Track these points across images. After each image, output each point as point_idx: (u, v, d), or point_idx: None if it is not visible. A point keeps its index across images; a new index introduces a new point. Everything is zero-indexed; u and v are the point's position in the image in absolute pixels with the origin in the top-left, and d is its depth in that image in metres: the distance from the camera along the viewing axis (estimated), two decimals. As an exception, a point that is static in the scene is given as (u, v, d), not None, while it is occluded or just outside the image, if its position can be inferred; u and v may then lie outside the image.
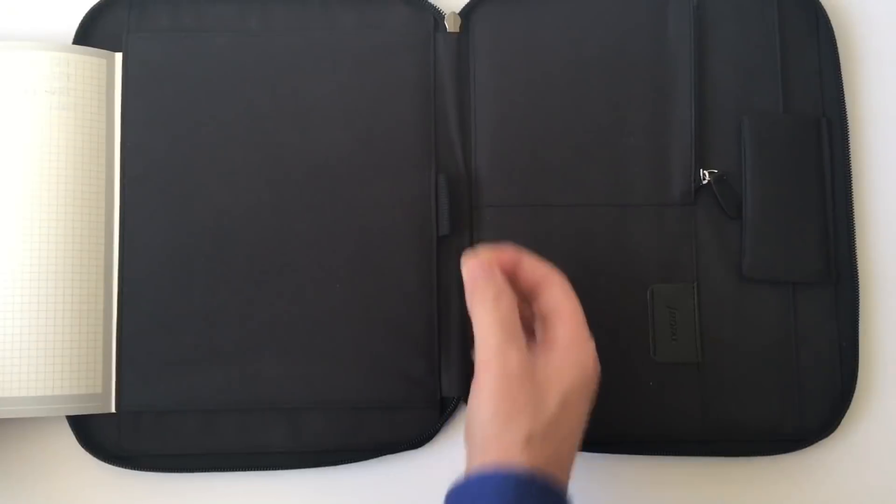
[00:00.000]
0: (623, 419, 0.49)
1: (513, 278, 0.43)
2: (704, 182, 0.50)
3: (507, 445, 0.38)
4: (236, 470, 0.49)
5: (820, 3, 0.52)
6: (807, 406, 0.49)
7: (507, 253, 0.43)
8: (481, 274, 0.42)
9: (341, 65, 0.51)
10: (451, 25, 0.52)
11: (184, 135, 0.51)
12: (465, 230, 0.51)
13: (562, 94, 0.51)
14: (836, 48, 0.52)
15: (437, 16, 0.52)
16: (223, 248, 0.50)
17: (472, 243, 0.51)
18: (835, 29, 0.52)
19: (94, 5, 0.52)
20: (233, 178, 0.50)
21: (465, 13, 0.52)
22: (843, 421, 0.49)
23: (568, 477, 0.40)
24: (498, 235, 0.50)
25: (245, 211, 0.50)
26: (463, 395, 0.50)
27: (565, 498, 0.39)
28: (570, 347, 0.41)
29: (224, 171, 0.50)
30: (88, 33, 0.52)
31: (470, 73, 0.52)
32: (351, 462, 0.49)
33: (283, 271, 0.50)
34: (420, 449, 0.50)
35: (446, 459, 0.50)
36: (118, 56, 0.52)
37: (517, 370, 0.39)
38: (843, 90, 0.51)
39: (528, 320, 0.44)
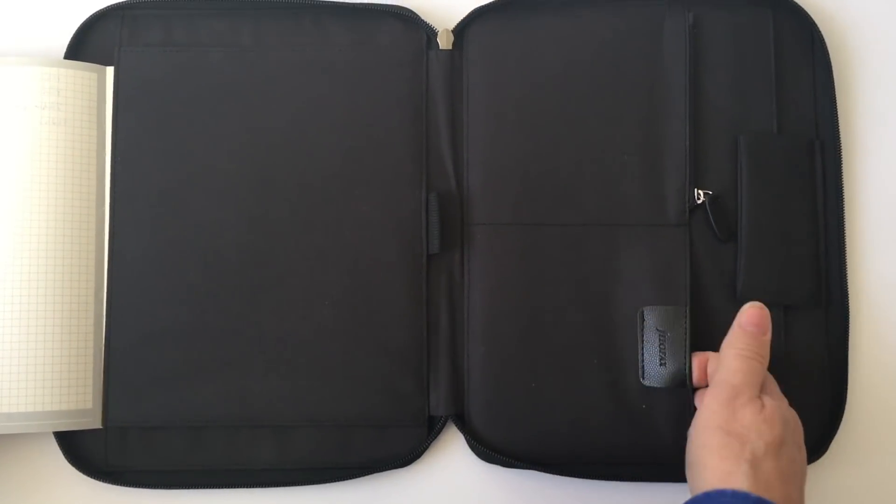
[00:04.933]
0: (611, 443, 0.49)
1: None
2: (699, 202, 0.50)
3: (735, 460, 0.41)
4: (223, 487, 0.49)
5: (815, 24, 0.52)
6: (796, 429, 0.49)
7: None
8: (759, 328, 0.46)
9: (333, 81, 0.51)
10: (444, 42, 0.52)
11: (174, 150, 0.51)
12: (456, 248, 0.51)
13: (555, 113, 0.51)
14: (831, 69, 0.51)
15: (430, 33, 0.52)
16: (212, 263, 0.50)
17: (462, 261, 0.51)
18: (830, 49, 0.52)
19: (87, 19, 0.52)
20: (223, 193, 0.50)
21: (458, 30, 0.52)
22: (832, 445, 0.49)
23: None
24: (489, 254, 0.50)
25: (235, 227, 0.50)
26: (451, 414, 0.50)
27: None
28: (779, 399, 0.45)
29: (214, 187, 0.50)
30: (80, 47, 0.52)
31: (462, 90, 0.52)
32: (338, 480, 0.49)
33: (273, 287, 0.50)
34: (408, 467, 0.50)
35: (434, 478, 0.50)
36: (109, 70, 0.51)
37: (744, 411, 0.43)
38: (836, 112, 0.51)
39: None
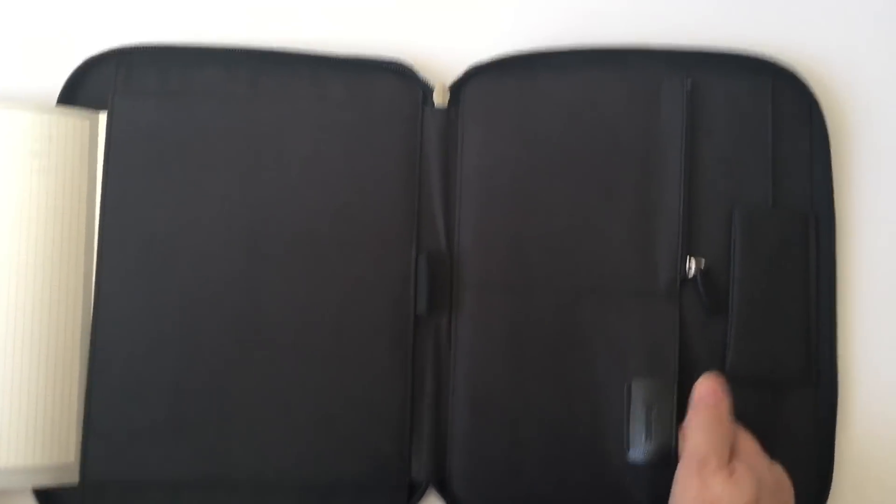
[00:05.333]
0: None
1: None
2: (690, 273, 0.50)
3: None
4: (201, 545, 0.49)
5: (814, 96, 0.51)
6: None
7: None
8: (713, 397, 0.46)
9: (327, 135, 0.51)
10: (440, 99, 0.52)
11: (163, 200, 0.50)
12: (444, 310, 0.50)
13: (549, 176, 0.51)
14: (829, 142, 0.51)
15: (426, 89, 0.52)
16: (198, 317, 0.49)
17: (449, 324, 0.50)
18: (828, 120, 0.51)
19: (82, 63, 0.52)
20: (210, 246, 0.50)
21: (455, 88, 0.52)
22: (817, 524, 0.49)
23: None
24: (477, 317, 0.50)
25: (221, 281, 0.50)
26: (432, 479, 0.49)
27: None
28: (754, 466, 0.44)
29: (202, 239, 0.50)
30: (75, 91, 0.52)
31: (457, 148, 0.51)
32: (317, 542, 0.49)
33: (257, 344, 0.49)
34: (388, 531, 0.49)
35: (414, 542, 0.50)
36: (102, 116, 0.51)
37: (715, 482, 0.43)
38: (832, 185, 0.51)
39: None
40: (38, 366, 0.48)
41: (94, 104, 0.51)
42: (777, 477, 0.44)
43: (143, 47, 0.52)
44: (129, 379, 0.49)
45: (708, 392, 0.47)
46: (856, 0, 0.54)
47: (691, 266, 0.50)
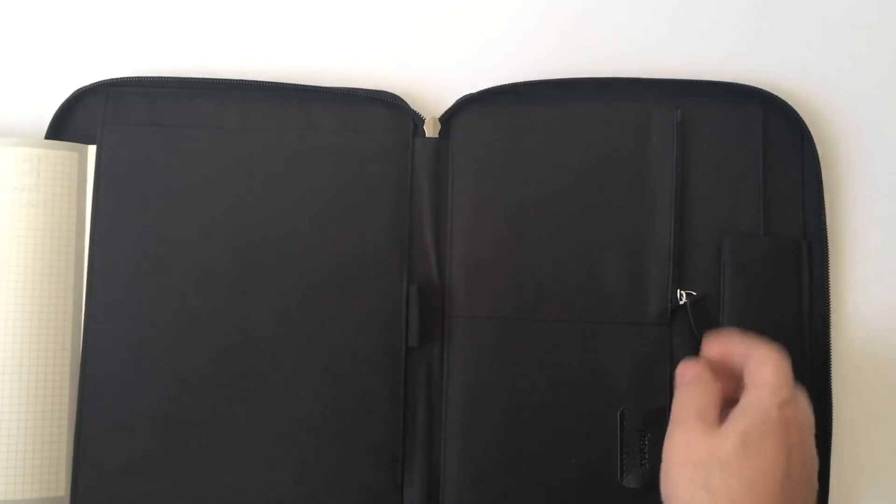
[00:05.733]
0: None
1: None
2: (681, 303, 0.50)
3: (691, 489, 0.40)
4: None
5: (805, 124, 0.51)
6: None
7: (715, 347, 0.46)
8: (684, 377, 0.45)
9: (318, 166, 0.51)
10: (431, 130, 0.52)
11: (153, 232, 0.50)
12: (436, 342, 0.50)
13: (540, 206, 0.51)
14: (820, 170, 0.51)
15: (417, 120, 0.52)
16: (188, 350, 0.49)
17: (441, 355, 0.50)
18: (819, 148, 0.51)
19: (71, 95, 0.52)
20: (200, 278, 0.50)
21: (446, 119, 0.52)
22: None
23: None
24: (468, 348, 0.50)
25: (212, 313, 0.49)
26: (425, 513, 0.49)
27: None
28: (747, 401, 0.42)
29: (192, 271, 0.50)
30: (64, 123, 0.52)
31: (448, 179, 0.51)
32: (308, 576, 0.48)
33: (248, 376, 0.49)
34: (380, 564, 0.49)
35: (406, 575, 0.49)
36: (91, 149, 0.51)
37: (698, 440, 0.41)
38: (825, 213, 0.51)
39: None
40: (27, 399, 0.48)
41: (84, 136, 0.51)
42: (764, 414, 0.41)
43: (133, 78, 0.52)
44: (119, 412, 0.48)
45: (680, 372, 0.46)
46: (846, 29, 0.54)
47: (682, 297, 0.49)
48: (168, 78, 0.52)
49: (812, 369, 0.50)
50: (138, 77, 0.52)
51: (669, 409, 0.48)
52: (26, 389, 0.48)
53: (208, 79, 0.52)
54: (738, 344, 0.45)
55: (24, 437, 0.47)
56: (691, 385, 0.44)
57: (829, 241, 0.51)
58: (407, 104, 0.52)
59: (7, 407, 0.47)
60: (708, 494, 0.39)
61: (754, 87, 0.51)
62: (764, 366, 0.42)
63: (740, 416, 0.41)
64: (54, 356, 0.49)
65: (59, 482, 0.48)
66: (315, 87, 0.52)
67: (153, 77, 0.52)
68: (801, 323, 0.49)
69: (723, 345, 0.46)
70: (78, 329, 0.49)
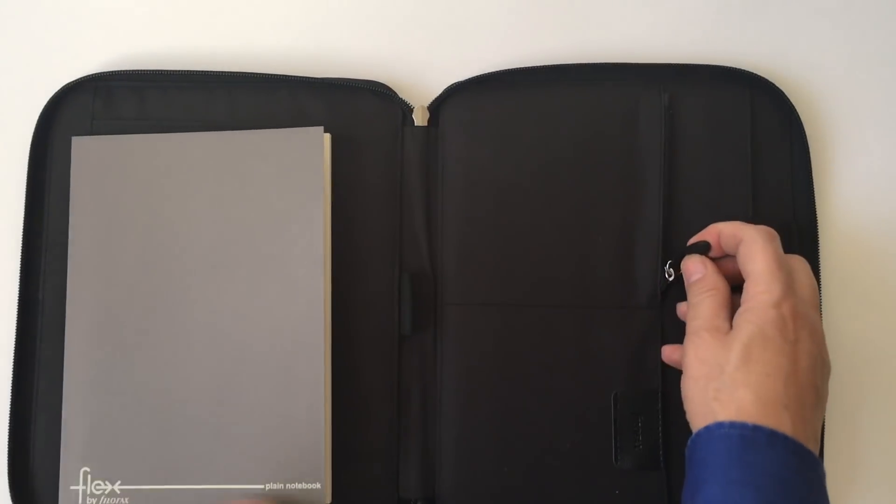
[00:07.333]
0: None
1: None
2: (671, 279, 0.50)
3: (705, 402, 0.42)
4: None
5: (793, 106, 0.51)
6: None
7: (708, 235, 0.47)
8: (697, 270, 0.46)
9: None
10: (420, 119, 0.52)
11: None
12: (428, 329, 0.50)
13: (530, 192, 0.51)
14: (809, 153, 0.51)
15: (406, 109, 0.52)
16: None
17: (434, 342, 0.50)
18: (807, 130, 0.51)
19: (59, 90, 0.52)
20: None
21: (434, 107, 0.52)
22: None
23: (798, 416, 0.40)
24: (462, 334, 0.50)
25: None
26: (421, 498, 0.49)
27: (778, 432, 0.40)
28: (746, 303, 0.43)
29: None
30: (52, 119, 0.52)
31: (437, 167, 0.51)
32: (307, 563, 0.49)
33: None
34: (377, 551, 0.49)
35: (404, 561, 0.50)
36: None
37: (710, 343, 0.43)
38: (814, 194, 0.51)
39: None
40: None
41: (73, 132, 0.51)
42: (768, 314, 0.42)
43: (121, 71, 0.52)
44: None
45: (688, 270, 0.47)
46: (834, 11, 0.54)
47: (671, 272, 0.49)
48: (155, 71, 0.52)
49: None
50: (126, 71, 0.52)
51: (662, 392, 0.49)
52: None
53: (196, 71, 0.52)
54: (724, 227, 0.46)
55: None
56: (700, 289, 0.45)
57: (818, 223, 0.51)
58: (396, 93, 0.52)
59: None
60: (720, 406, 0.41)
61: (742, 70, 0.51)
62: (754, 254, 0.43)
63: (742, 325, 0.42)
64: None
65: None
66: (304, 77, 0.52)
67: (140, 70, 0.52)
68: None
69: (711, 234, 0.47)
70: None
